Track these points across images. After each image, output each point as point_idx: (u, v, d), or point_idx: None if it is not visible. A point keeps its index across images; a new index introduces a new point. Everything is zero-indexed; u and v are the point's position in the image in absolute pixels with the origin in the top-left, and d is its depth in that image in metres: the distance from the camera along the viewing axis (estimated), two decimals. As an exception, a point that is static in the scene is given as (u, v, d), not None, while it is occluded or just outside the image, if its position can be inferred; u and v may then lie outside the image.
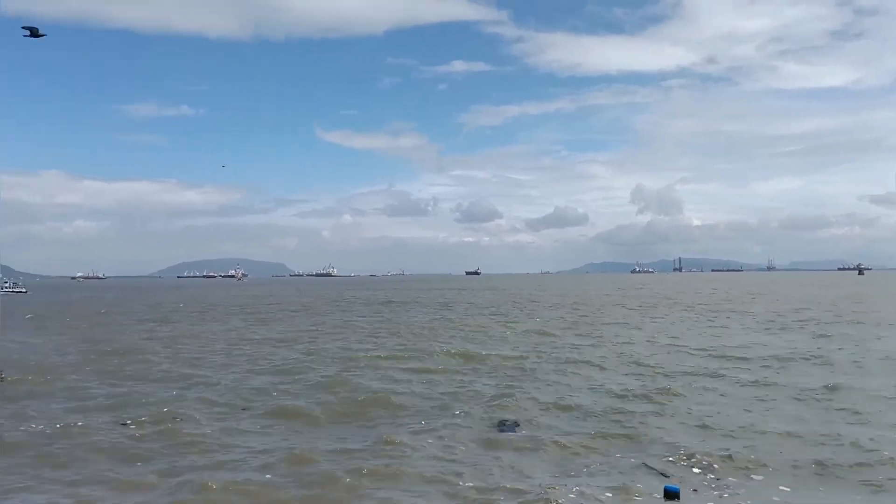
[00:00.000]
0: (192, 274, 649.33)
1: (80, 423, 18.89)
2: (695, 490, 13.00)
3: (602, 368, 28.84)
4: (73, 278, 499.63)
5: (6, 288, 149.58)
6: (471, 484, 13.55)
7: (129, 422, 19.31)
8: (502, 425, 18.39)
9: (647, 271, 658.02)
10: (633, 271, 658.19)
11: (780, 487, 13.41)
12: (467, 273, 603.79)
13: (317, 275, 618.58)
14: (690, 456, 15.16)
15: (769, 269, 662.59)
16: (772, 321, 52.95)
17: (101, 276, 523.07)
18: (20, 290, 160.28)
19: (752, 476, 14.15)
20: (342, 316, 66.62)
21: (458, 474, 14.16)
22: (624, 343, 38.54)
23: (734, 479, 13.78)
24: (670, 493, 12.36)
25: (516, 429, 18.10)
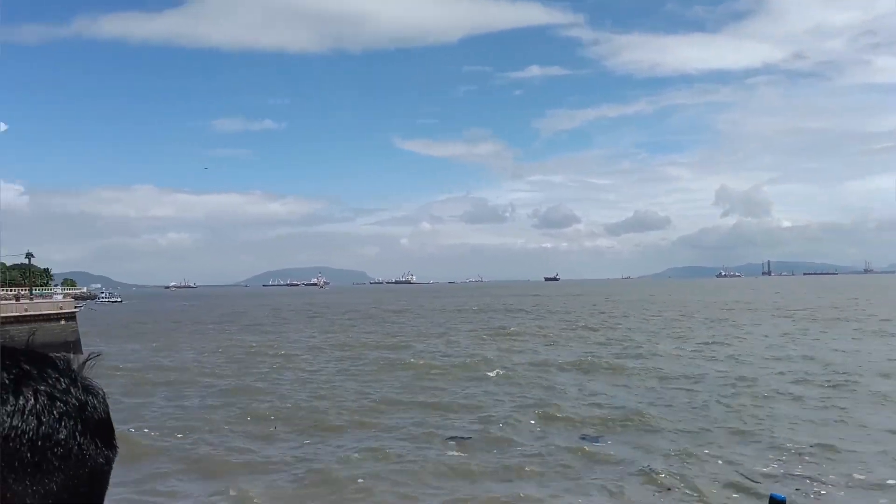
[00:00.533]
0: (276, 282, 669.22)
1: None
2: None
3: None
4: (167, 287, 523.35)
5: (102, 298, 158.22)
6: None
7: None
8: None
9: (734, 275, 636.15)
10: (719, 275, 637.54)
11: None
12: (546, 279, 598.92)
13: (396, 282, 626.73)
14: None
15: (866, 271, 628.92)
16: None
17: (192, 285, 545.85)
18: (115, 299, 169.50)
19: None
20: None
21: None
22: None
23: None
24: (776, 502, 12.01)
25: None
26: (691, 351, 40.71)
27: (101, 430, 1.11)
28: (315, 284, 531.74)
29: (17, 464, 1.02)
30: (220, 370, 36.67)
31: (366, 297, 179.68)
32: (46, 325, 52.36)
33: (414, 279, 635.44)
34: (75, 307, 59.83)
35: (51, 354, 1.14)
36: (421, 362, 37.02)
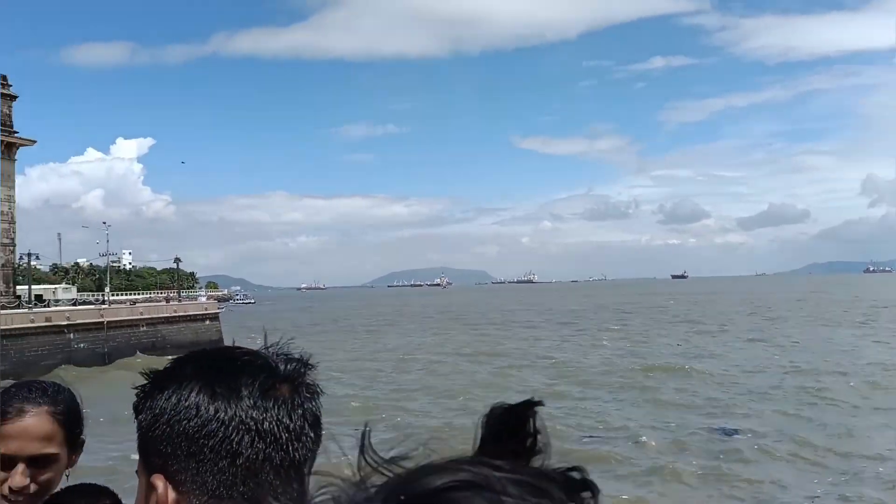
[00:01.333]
0: (400, 283, 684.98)
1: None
2: None
3: None
4: (299, 289, 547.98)
5: (238, 299, 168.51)
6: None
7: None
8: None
9: (885, 270, 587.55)
10: (867, 270, 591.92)
11: None
12: (673, 277, 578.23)
13: (518, 281, 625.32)
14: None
15: None
16: None
17: (322, 286, 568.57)
18: (249, 301, 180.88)
19: None
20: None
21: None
22: None
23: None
24: None
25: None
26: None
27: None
28: (438, 284, 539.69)
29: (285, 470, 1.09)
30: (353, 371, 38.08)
31: (495, 298, 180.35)
32: (193, 324, 56.47)
33: (536, 278, 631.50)
34: (218, 308, 64.15)
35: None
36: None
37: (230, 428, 1.07)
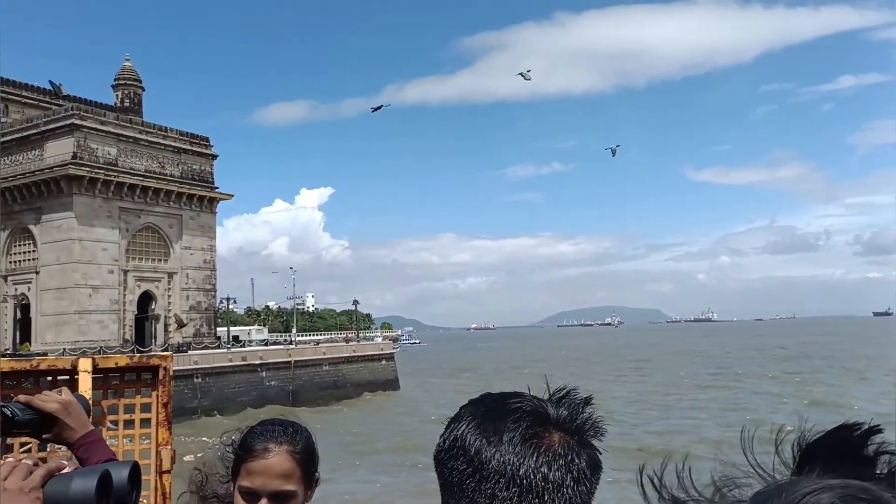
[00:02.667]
0: (570, 322, 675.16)
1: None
2: None
3: None
4: (468, 329, 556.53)
5: (404, 340, 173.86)
6: None
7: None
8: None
9: None
10: None
11: None
12: (875, 314, 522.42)
13: (695, 320, 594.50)
14: None
15: None
16: None
17: (491, 326, 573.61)
18: (415, 341, 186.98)
19: None
20: None
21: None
22: None
23: None
24: None
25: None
26: None
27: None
28: (609, 324, 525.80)
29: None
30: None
31: (683, 338, 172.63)
32: (370, 364, 58.70)
33: (714, 316, 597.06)
34: (393, 349, 66.27)
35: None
36: None
37: (489, 469, 1.09)
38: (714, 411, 40.33)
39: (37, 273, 51.34)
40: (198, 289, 57.84)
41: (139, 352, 43.90)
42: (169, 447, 3.09)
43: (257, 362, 49.93)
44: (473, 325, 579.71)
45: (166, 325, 55.33)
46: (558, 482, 1.08)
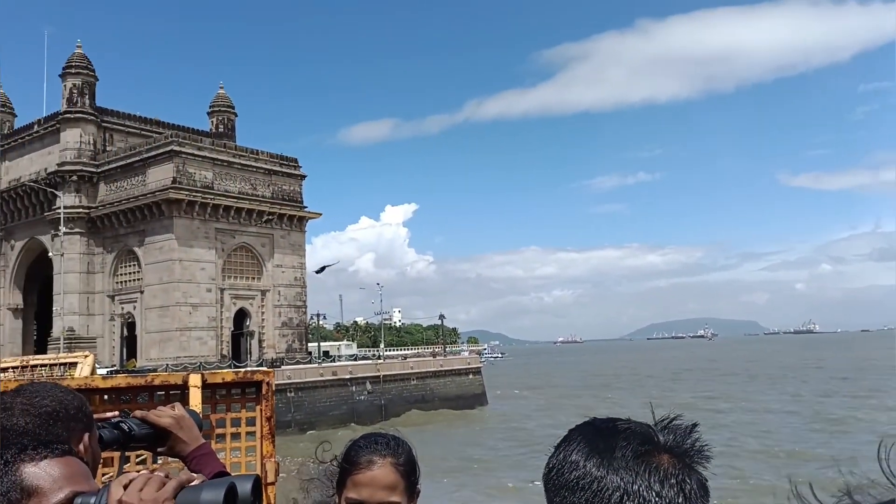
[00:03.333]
0: (660, 335, 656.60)
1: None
2: None
3: None
4: (555, 343, 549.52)
5: (486, 354, 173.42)
6: None
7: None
8: None
9: None
10: None
11: None
12: None
13: (795, 332, 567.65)
14: None
15: None
16: None
17: (578, 339, 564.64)
18: (497, 355, 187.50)
19: None
20: None
21: None
22: None
23: None
24: None
25: None
26: None
27: None
28: (702, 336, 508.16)
29: None
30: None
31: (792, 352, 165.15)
32: (458, 378, 58.79)
33: (816, 327, 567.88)
34: (480, 362, 66.17)
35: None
36: None
37: (602, 483, 1.15)
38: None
39: (141, 292, 54.18)
40: (289, 305, 59.58)
41: (236, 367, 45.61)
42: (273, 459, 3.19)
43: (347, 377, 50.85)
44: (560, 339, 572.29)
45: (260, 341, 57.23)
46: (671, 499, 1.11)
